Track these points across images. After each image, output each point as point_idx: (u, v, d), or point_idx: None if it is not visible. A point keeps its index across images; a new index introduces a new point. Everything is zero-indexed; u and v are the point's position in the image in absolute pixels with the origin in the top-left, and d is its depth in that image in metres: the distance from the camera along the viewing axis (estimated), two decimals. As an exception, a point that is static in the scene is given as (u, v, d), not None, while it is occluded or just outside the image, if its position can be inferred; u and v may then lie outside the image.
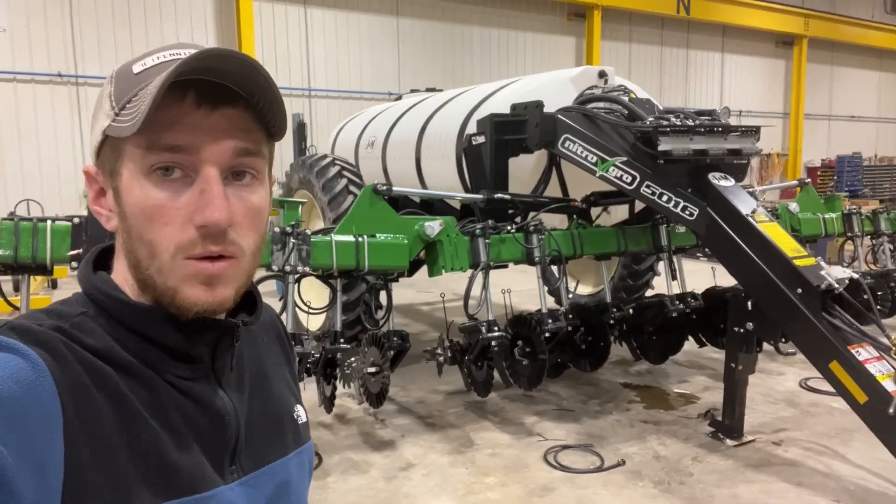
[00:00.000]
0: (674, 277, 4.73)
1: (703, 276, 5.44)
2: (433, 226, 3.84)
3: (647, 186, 4.03)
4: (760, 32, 18.28)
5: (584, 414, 4.53)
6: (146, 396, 0.73)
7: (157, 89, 0.67)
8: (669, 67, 17.07)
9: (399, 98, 7.60)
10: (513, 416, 4.52)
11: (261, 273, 5.92)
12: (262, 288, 1.08)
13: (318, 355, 3.68)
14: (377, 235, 3.76)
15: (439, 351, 4.33)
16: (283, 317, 3.54)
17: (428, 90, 7.18)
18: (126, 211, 0.75)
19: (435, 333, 6.84)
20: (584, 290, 7.14)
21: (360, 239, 3.66)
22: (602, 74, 4.81)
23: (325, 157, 5.50)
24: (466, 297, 3.90)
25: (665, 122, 4.00)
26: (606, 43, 15.39)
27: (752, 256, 3.70)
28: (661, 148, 3.88)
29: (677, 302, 4.62)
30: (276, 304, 3.68)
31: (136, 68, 0.76)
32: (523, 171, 4.63)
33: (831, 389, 4.52)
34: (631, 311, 4.77)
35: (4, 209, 10.15)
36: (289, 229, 3.44)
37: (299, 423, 0.94)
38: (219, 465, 0.78)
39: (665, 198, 4.01)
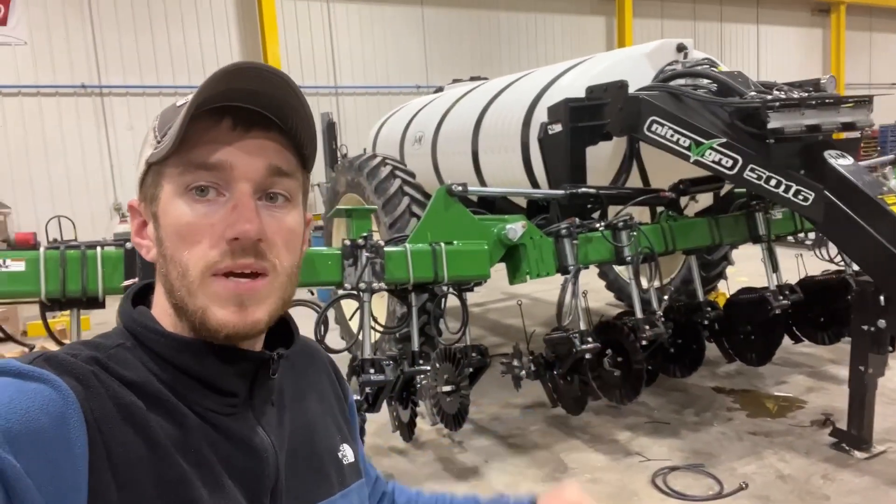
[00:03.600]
0: (774, 269, 4.25)
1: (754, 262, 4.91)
2: (515, 228, 3.42)
3: (752, 170, 3.56)
4: (795, 1, 17.51)
5: (683, 426, 4.09)
6: (176, 433, 0.71)
7: (186, 110, 0.70)
8: (704, 43, 16.37)
9: (440, 90, 7.18)
10: (603, 431, 4.10)
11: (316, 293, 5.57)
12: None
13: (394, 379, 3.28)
14: (454, 242, 3.35)
15: (516, 363, 3.92)
16: (360, 337, 3.15)
17: (472, 79, 6.74)
18: (162, 234, 0.75)
19: (493, 339, 6.43)
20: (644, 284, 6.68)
21: (436, 247, 3.26)
22: (681, 48, 4.34)
23: (374, 156, 5.09)
24: (560, 305, 3.47)
25: (771, 97, 3.53)
26: (638, 21, 14.78)
27: (886, 245, 3.22)
28: (771, 125, 3.41)
29: (780, 297, 4.15)
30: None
31: (179, 102, 0.76)
32: (600, 160, 4.18)
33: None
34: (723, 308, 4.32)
35: (35, 227, 9.99)
36: (361, 241, 3.04)
37: (344, 462, 0.90)
38: (257, 503, 0.75)
39: (774, 182, 3.53)
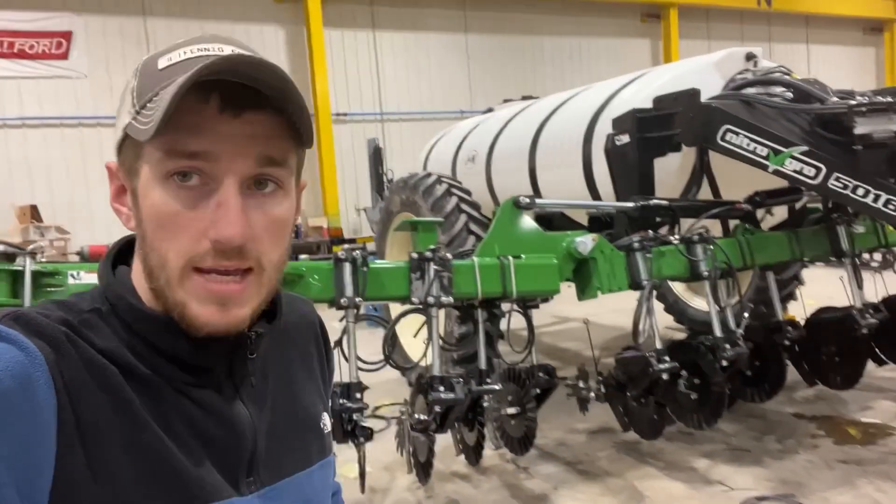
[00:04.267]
0: (859, 286, 3.99)
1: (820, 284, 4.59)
2: (585, 241, 3.28)
3: (837, 179, 3.36)
4: (847, 20, 17.12)
5: (765, 454, 3.82)
6: (149, 401, 0.69)
7: (174, 93, 0.63)
8: (751, 64, 16.09)
9: (489, 111, 7.13)
10: (678, 458, 3.86)
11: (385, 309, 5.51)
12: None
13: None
14: (522, 256, 3.22)
15: (582, 385, 3.75)
16: (428, 356, 3.04)
17: (524, 98, 6.67)
18: (142, 215, 0.71)
19: (549, 360, 6.23)
20: (703, 303, 6.42)
21: (505, 261, 3.14)
22: (750, 56, 4.19)
23: (429, 175, 5.04)
24: (636, 323, 3.30)
25: (855, 101, 3.34)
26: (684, 42, 14.62)
27: None
28: (858, 131, 3.22)
29: (867, 315, 3.88)
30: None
31: (162, 63, 0.70)
32: (668, 172, 4.02)
33: None
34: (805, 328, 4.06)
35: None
36: (428, 254, 2.94)
37: (325, 431, 0.89)
38: (233, 476, 0.73)
39: (861, 191, 3.33)
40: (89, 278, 2.48)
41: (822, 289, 4.96)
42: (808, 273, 5.35)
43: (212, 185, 0.68)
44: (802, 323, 4.15)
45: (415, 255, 2.97)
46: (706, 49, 14.94)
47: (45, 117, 10.16)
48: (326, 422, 0.89)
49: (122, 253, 0.79)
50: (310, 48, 11.52)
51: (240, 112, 0.67)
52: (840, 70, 17.54)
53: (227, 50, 0.70)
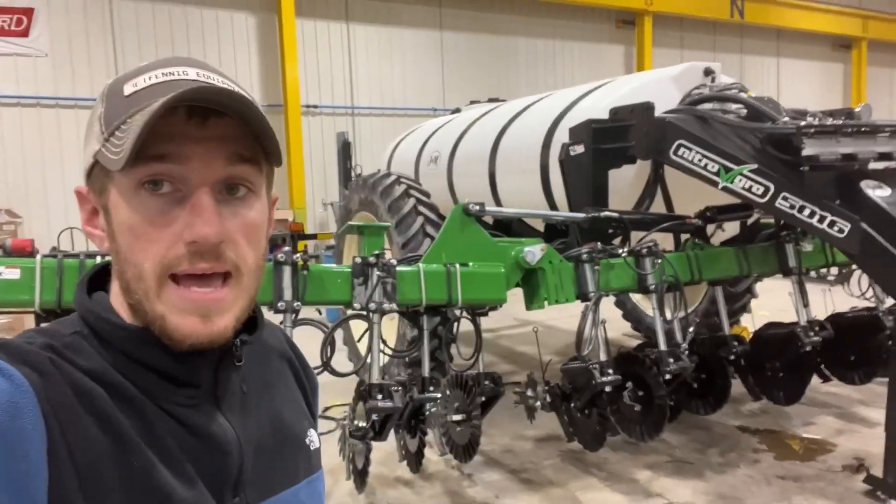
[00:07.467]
0: (804, 304, 4.05)
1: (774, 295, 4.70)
2: (534, 251, 3.26)
3: (785, 199, 3.39)
4: (817, 35, 17.45)
5: (707, 467, 3.86)
6: (138, 422, 0.68)
7: (142, 124, 0.63)
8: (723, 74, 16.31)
9: (457, 111, 7.09)
10: (621, 469, 3.88)
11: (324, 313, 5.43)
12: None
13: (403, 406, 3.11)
14: (469, 263, 3.19)
15: (530, 393, 3.74)
16: (368, 361, 2.99)
17: (490, 100, 6.64)
18: (115, 230, 0.70)
19: (506, 367, 6.23)
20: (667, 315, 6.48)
21: (451, 268, 3.10)
22: (708, 72, 4.22)
23: (388, 175, 4.97)
24: (580, 334, 3.30)
25: (805, 122, 3.38)
26: (657, 50, 14.75)
27: (928, 280, 3.04)
28: (806, 152, 3.25)
29: (811, 333, 3.94)
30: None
31: (128, 89, 0.70)
32: (622, 184, 4.03)
33: None
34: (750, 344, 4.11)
35: (48, 238, 9.89)
36: (372, 259, 2.89)
37: (311, 448, 0.88)
38: (219, 496, 0.72)
39: (807, 212, 3.36)
40: (10, 274, 2.38)
41: (775, 300, 5.05)
42: (762, 285, 5.43)
43: (184, 192, 0.68)
44: (753, 336, 4.22)
45: (358, 260, 2.92)
46: (678, 58, 15.18)
47: (2, 96, 9.83)
48: (314, 438, 0.88)
49: (96, 280, 0.77)
50: (281, 37, 11.33)
51: (207, 118, 0.67)
52: (808, 84, 17.90)
53: (192, 73, 0.70)
